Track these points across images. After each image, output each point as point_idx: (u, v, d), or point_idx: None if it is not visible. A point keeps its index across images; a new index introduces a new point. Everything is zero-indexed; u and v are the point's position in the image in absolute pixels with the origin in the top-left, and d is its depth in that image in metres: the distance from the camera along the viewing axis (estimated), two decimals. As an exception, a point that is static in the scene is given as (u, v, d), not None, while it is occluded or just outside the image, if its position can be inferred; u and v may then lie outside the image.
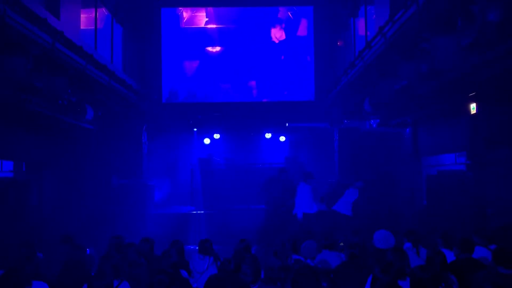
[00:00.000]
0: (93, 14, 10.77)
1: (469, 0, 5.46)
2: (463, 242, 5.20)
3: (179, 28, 14.46)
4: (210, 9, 14.49)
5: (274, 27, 14.49)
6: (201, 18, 14.53)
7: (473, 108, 7.49)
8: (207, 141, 14.85)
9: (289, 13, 14.54)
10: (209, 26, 14.50)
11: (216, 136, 14.80)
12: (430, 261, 4.78)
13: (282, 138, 14.96)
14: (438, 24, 6.27)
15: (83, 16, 10.15)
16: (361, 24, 11.38)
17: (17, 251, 5.83)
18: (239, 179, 12.96)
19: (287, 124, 14.11)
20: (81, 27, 9.78)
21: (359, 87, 10.21)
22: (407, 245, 6.08)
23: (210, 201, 12.59)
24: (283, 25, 14.52)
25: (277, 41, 14.49)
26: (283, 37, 14.51)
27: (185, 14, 14.50)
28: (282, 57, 14.49)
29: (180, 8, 14.46)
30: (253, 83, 14.48)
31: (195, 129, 14.67)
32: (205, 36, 14.50)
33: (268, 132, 14.84)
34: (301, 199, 9.74)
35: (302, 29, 14.54)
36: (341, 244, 6.86)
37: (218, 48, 14.49)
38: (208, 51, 14.48)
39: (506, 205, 6.84)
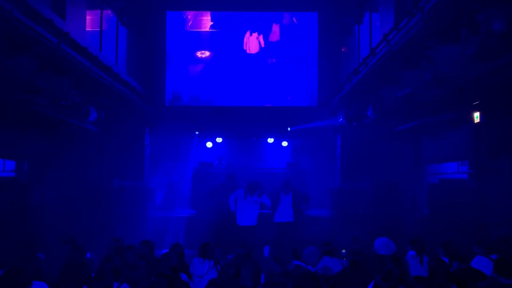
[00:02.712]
0: (99, 16, 10.82)
1: (474, 10, 5.47)
2: (459, 255, 5.24)
3: (184, 31, 14.50)
4: (215, 13, 14.54)
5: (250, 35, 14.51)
6: (206, 22, 14.57)
7: (477, 117, 7.48)
8: (209, 144, 14.87)
9: (293, 18, 14.58)
10: (214, 30, 14.55)
11: (219, 140, 14.81)
12: (434, 270, 4.75)
13: (285, 143, 14.96)
14: (442, 33, 6.28)
15: (88, 18, 10.18)
16: (365, 31, 11.39)
17: (18, 251, 5.84)
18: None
19: (289, 129, 14.12)
20: (87, 29, 9.81)
21: (363, 94, 10.21)
22: (411, 253, 6.06)
23: (210, 205, 12.53)
24: (257, 34, 14.54)
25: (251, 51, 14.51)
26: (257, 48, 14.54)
27: (190, 17, 14.55)
28: (281, 57, 14.53)
29: (186, 11, 14.52)
30: (256, 87, 14.48)
31: (197, 133, 14.69)
32: (209, 40, 14.54)
33: (270, 137, 14.84)
34: (282, 207, 9.89)
35: (274, 35, 14.56)
36: (343, 251, 6.86)
37: (207, 54, 14.48)
38: (211, 54, 14.51)
39: (508, 215, 6.82)
